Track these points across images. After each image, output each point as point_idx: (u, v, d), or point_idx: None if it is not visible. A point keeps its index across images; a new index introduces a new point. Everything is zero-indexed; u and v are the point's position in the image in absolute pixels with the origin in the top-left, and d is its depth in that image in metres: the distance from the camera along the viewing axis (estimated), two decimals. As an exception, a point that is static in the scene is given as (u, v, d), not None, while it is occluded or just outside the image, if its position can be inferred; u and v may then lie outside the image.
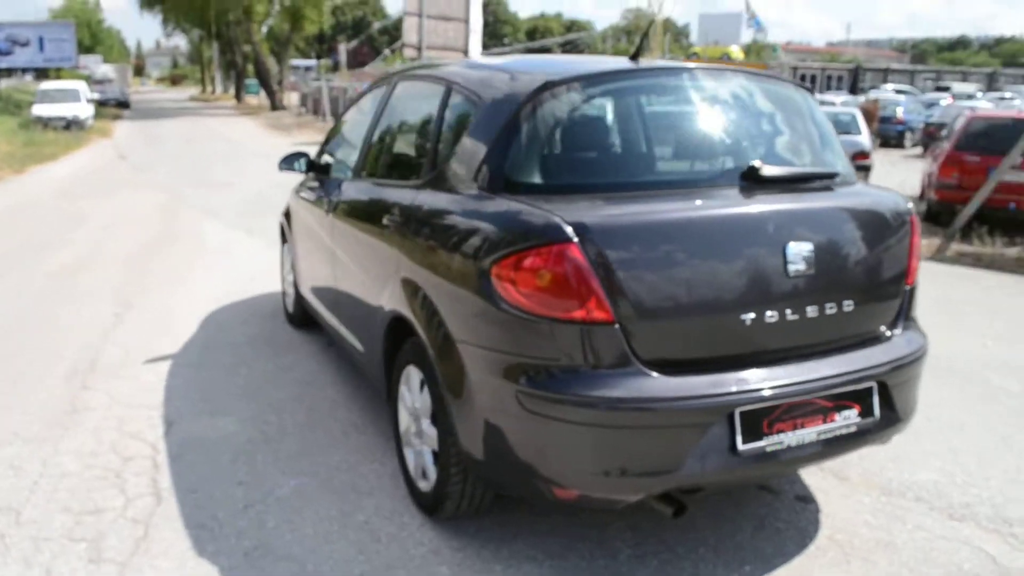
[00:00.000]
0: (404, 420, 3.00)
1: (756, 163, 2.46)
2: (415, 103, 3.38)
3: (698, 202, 2.36)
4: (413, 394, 2.86)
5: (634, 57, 2.81)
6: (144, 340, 4.77)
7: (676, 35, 57.97)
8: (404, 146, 3.39)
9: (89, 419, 3.66)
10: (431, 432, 2.71)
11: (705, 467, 2.20)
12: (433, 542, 2.71)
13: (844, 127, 11.46)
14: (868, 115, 16.97)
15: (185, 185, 11.79)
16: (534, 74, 2.58)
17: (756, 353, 2.31)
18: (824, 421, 2.36)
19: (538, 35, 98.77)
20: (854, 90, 39.79)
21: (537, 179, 2.43)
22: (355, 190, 3.56)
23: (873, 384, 2.46)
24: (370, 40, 63.01)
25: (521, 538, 2.73)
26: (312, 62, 58.02)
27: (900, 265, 2.61)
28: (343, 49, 49.65)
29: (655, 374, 2.19)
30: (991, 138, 8.78)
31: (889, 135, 21.43)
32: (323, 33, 48.13)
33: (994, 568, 2.62)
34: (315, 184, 4.30)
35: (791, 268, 2.32)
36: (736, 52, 43.77)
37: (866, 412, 2.45)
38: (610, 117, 2.64)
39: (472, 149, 2.59)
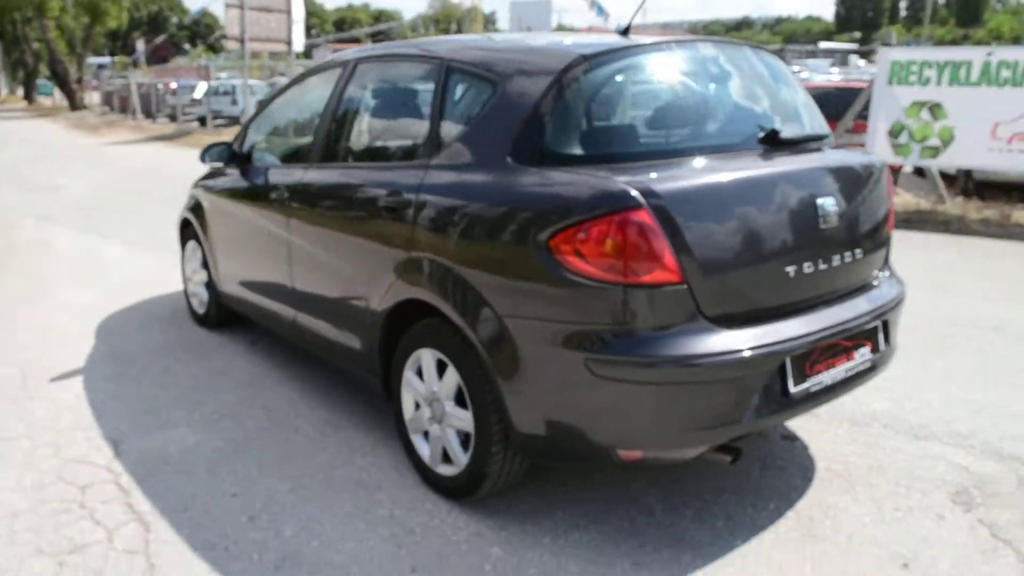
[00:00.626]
0: (409, 407, 2.88)
1: (777, 127, 2.60)
2: (393, 84, 3.24)
3: (742, 163, 2.44)
4: (428, 378, 2.74)
5: (624, 33, 2.84)
6: (37, 358, 4.21)
7: (485, 22, 58.69)
8: (388, 128, 3.21)
9: (13, 450, 3.18)
10: (459, 414, 2.61)
11: (763, 413, 2.29)
12: (471, 525, 2.62)
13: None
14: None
15: (5, 191, 10.46)
16: (557, 49, 2.57)
17: (795, 303, 2.44)
18: (847, 359, 2.53)
19: (346, 26, 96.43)
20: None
21: (578, 150, 2.40)
22: (321, 177, 3.31)
23: (879, 323, 2.67)
24: (170, 36, 58.89)
25: (558, 508, 2.70)
26: (106, 59, 53.34)
27: (885, 214, 2.85)
28: (141, 45, 45.96)
29: (720, 329, 2.25)
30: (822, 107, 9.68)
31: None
32: (117, 30, 44.21)
33: (969, 475, 2.94)
34: (239, 175, 3.99)
35: (822, 222, 2.46)
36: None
37: (875, 348, 2.66)
38: (640, 88, 2.66)
39: (499, 124, 2.51)
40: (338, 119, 3.37)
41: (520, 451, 2.49)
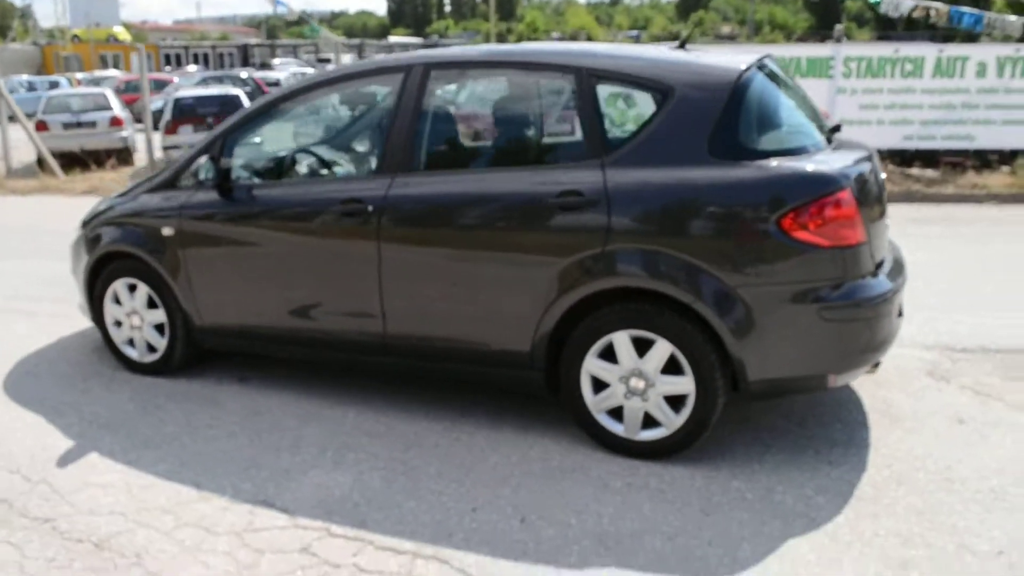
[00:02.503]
0: (589, 392, 3.22)
1: (838, 123, 3.51)
2: (504, 91, 3.42)
3: (844, 157, 3.23)
4: (625, 358, 3.12)
5: (682, 45, 3.50)
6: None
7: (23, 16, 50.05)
8: (517, 132, 3.38)
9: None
10: (673, 380, 3.08)
11: (896, 330, 3.25)
12: (683, 479, 3.14)
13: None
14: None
15: None
16: (716, 63, 3.16)
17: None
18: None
19: None
20: (246, 64, 41.08)
21: (760, 146, 3.03)
22: (431, 187, 3.35)
23: None
24: None
25: (724, 455, 3.34)
26: None
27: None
28: None
29: (880, 276, 3.12)
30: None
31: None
32: None
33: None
34: (234, 196, 3.71)
35: (882, 192, 3.46)
36: (122, 33, 41.05)
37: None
38: (777, 95, 3.34)
39: (689, 126, 3.02)
40: (422, 127, 3.41)
41: (751, 396, 3.08)
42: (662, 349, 3.08)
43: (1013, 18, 10.45)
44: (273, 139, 3.90)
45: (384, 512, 2.90)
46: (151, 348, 4.16)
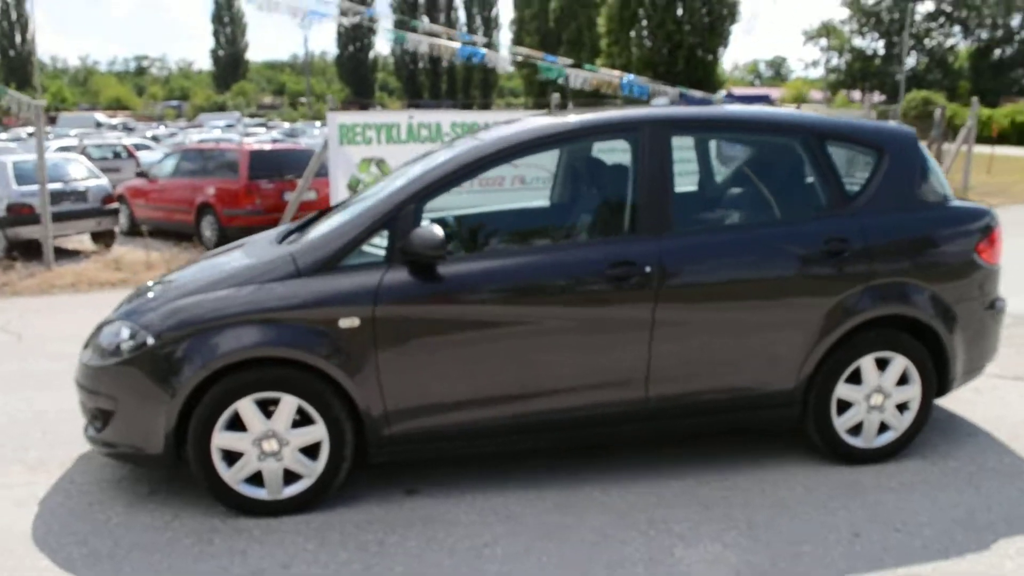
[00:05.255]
0: (835, 412, 3.57)
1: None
2: (744, 150, 3.52)
3: None
4: (868, 378, 3.54)
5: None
6: None
7: None
8: (765, 189, 3.46)
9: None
10: (903, 390, 3.59)
11: None
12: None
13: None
14: None
15: None
16: (889, 125, 3.74)
17: None
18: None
19: None
20: None
21: (943, 190, 3.73)
22: (700, 245, 3.34)
23: None
24: None
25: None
26: None
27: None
28: None
29: None
30: (270, 166, 10.31)
31: None
32: None
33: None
34: (464, 271, 3.16)
35: None
36: None
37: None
38: None
39: (903, 178, 3.59)
40: (661, 189, 3.37)
41: (950, 390, 3.73)
42: (898, 364, 3.58)
43: (670, 89, 13.12)
44: (473, 203, 3.35)
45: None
46: (289, 479, 3.17)
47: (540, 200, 3.60)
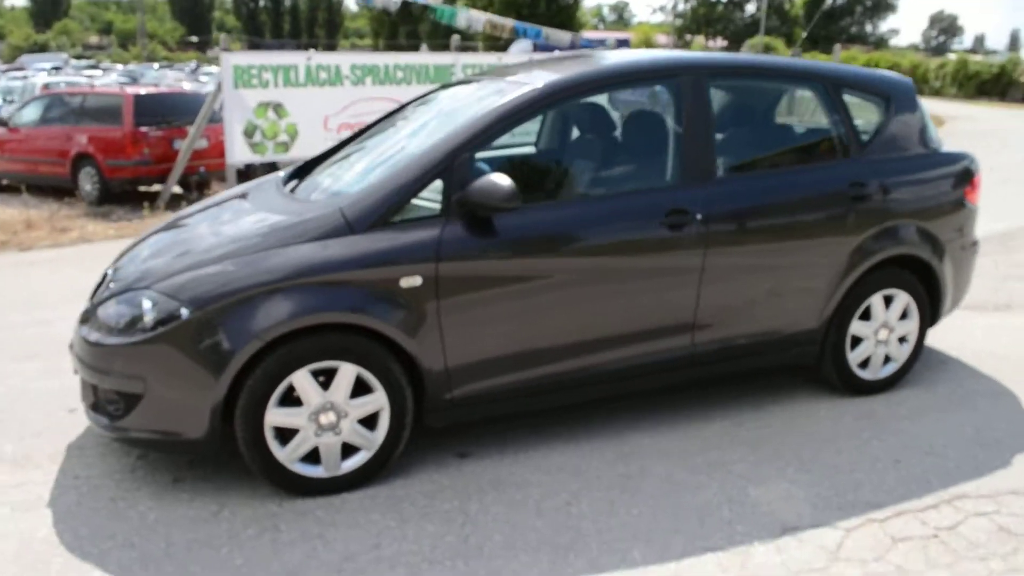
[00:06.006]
0: (849, 347, 3.77)
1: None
2: (773, 99, 3.54)
3: None
4: (877, 313, 3.76)
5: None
6: None
7: None
8: (793, 134, 3.45)
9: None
10: (905, 324, 3.83)
11: None
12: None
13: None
14: None
15: None
16: (891, 74, 3.88)
17: None
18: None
19: None
20: None
21: (937, 137, 3.93)
22: (744, 190, 3.36)
23: None
24: None
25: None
26: None
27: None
28: None
29: None
30: (157, 112, 9.36)
31: None
32: None
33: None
34: (524, 222, 3.01)
35: None
36: None
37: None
38: None
39: (909, 126, 3.77)
40: (713, 133, 3.37)
41: (938, 322, 4.00)
42: (902, 300, 3.81)
43: (564, 33, 13.01)
44: (525, 151, 3.16)
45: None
46: (345, 453, 2.96)
47: (588, 147, 3.48)
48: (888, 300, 3.80)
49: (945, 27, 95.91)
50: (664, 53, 3.75)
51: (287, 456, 2.88)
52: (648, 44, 54.68)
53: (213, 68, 35.23)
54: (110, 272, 3.26)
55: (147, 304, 2.83)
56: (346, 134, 9.74)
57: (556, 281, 3.10)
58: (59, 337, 4.68)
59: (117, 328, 2.87)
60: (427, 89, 4.06)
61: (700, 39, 59.21)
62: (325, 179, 3.48)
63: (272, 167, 11.40)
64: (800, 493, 3.03)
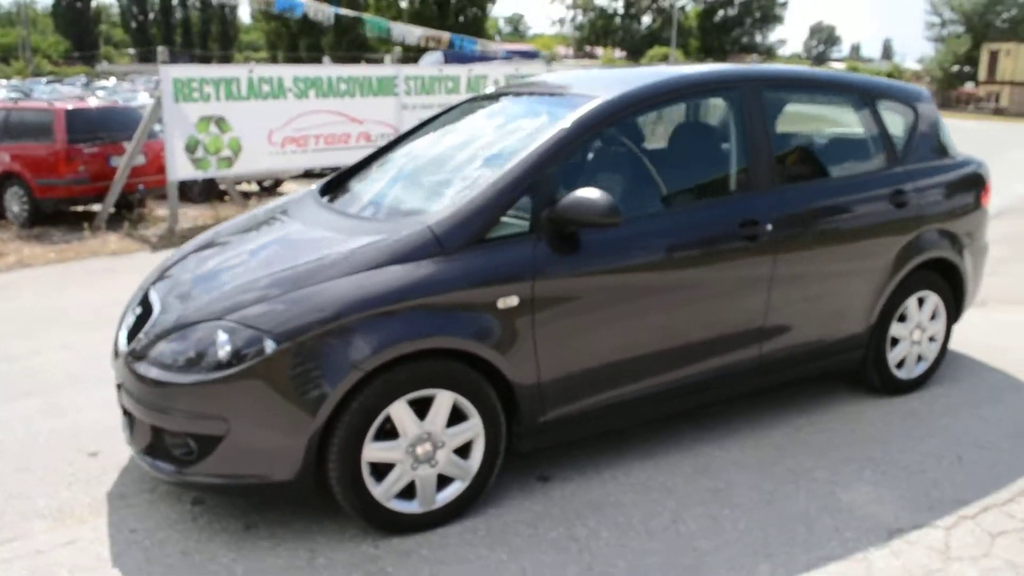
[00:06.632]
0: (889, 346, 3.88)
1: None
2: (820, 108, 3.63)
3: None
4: (912, 313, 3.88)
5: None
6: None
7: None
8: (841, 145, 3.56)
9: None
10: (934, 324, 3.98)
11: None
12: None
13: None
14: None
15: None
16: (910, 84, 4.01)
17: None
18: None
19: None
20: None
21: (951, 143, 4.11)
22: (803, 199, 3.42)
23: None
24: None
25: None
26: None
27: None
28: None
29: None
30: (90, 128, 8.74)
31: None
32: None
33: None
34: (616, 236, 2.94)
35: None
36: None
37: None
38: None
39: (929, 134, 3.92)
40: (766, 145, 3.38)
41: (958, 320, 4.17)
42: (933, 300, 3.96)
43: (497, 44, 12.98)
44: (598, 166, 3.08)
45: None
46: (441, 484, 2.79)
47: (661, 158, 3.44)
48: (920, 302, 3.93)
49: (824, 37, 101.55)
50: (716, 65, 3.78)
51: (383, 493, 2.69)
52: (552, 57, 55.57)
53: (105, 82, 33.44)
54: (155, 300, 2.97)
55: (222, 336, 2.59)
56: (292, 148, 9.70)
57: (640, 295, 3.04)
58: (45, 370, 4.29)
59: (187, 364, 2.61)
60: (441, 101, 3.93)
61: (610, 50, 60.64)
62: (380, 195, 3.31)
63: (212, 183, 10.92)
64: (887, 495, 3.07)
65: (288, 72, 9.70)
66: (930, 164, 3.92)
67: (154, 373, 2.66)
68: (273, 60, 51.91)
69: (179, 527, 2.82)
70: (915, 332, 3.94)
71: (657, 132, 3.59)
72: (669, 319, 3.14)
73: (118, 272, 6.73)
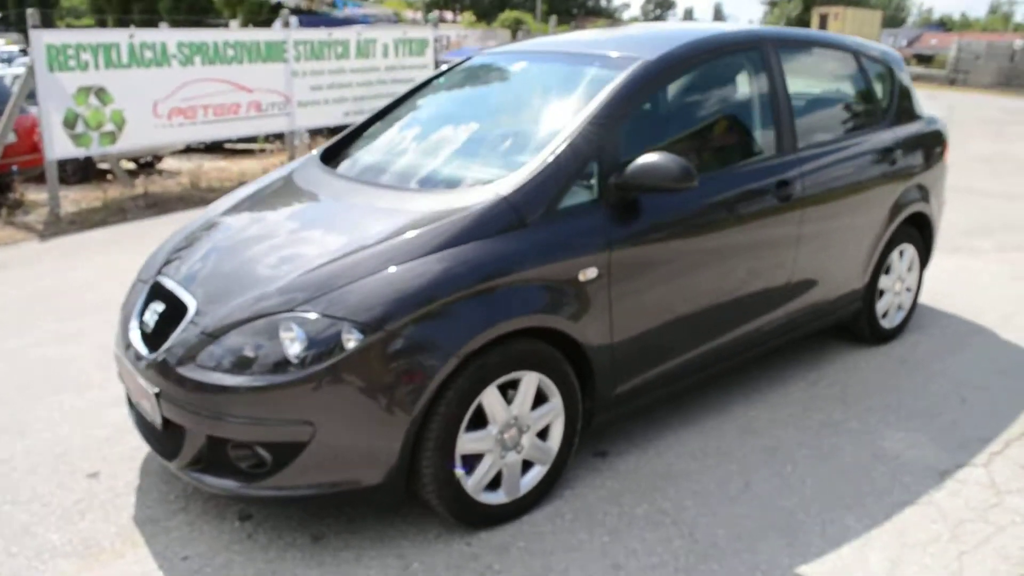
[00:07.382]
0: (877, 297, 4.08)
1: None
2: (823, 69, 3.83)
3: None
4: (896, 266, 4.12)
5: None
6: None
7: None
8: (843, 102, 3.63)
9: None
10: (910, 274, 4.23)
11: None
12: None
13: None
14: None
15: None
16: (883, 45, 4.17)
17: None
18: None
19: None
20: None
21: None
22: (824, 159, 3.50)
23: None
24: None
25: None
26: None
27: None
28: None
29: None
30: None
31: None
32: None
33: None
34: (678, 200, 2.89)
35: None
36: None
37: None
38: None
39: (907, 92, 4.11)
40: (789, 104, 3.43)
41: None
42: (911, 251, 4.21)
43: (385, 9, 12.43)
44: (649, 128, 2.97)
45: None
46: (524, 469, 2.67)
47: (701, 120, 3.36)
48: (900, 254, 4.16)
49: (660, 1, 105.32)
50: (733, 25, 3.85)
51: (474, 486, 2.53)
52: (399, 19, 54.39)
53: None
54: (183, 294, 2.61)
55: (297, 330, 2.32)
56: (180, 120, 8.93)
57: (698, 260, 3.02)
58: (5, 376, 3.72)
59: (256, 365, 2.32)
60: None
61: (469, 14, 59.90)
62: (419, 165, 3.08)
63: (89, 162, 9.88)
64: (919, 439, 3.24)
65: (172, 37, 8.89)
66: (909, 122, 4.14)
67: (213, 377, 2.35)
68: (102, 26, 47.41)
69: (237, 548, 2.53)
70: (896, 283, 4.17)
71: (693, 94, 3.54)
72: (723, 281, 3.15)
73: (9, 267, 5.93)
